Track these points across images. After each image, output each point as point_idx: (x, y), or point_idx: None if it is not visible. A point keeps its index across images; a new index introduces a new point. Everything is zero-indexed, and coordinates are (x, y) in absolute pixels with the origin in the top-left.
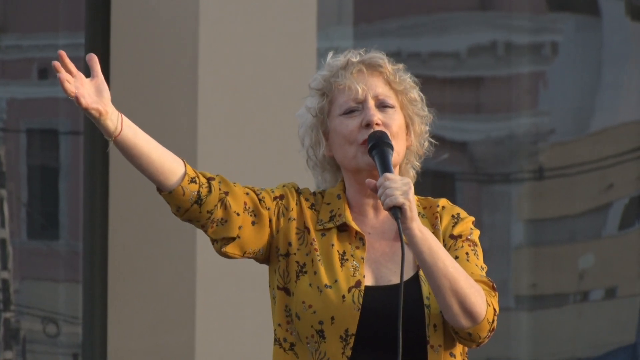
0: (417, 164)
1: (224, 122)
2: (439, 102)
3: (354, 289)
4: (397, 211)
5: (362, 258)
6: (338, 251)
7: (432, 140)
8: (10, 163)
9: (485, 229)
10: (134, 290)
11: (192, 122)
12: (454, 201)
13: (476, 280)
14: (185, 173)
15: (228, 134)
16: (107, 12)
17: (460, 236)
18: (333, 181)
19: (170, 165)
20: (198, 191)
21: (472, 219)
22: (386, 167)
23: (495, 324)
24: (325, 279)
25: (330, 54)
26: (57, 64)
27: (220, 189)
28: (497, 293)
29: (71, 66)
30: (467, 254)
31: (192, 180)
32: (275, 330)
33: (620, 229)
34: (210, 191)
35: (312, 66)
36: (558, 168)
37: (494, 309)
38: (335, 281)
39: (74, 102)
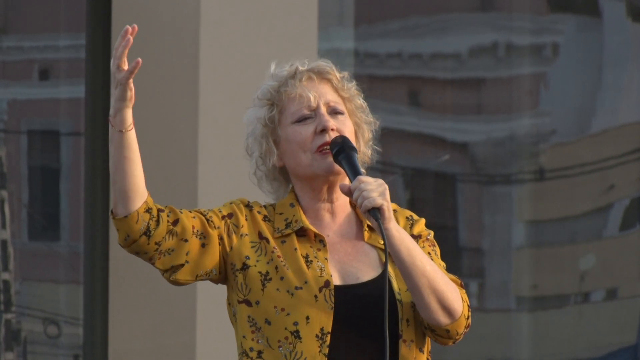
0: (363, 170)
1: (224, 123)
2: (440, 103)
3: (324, 289)
4: (376, 212)
5: (326, 259)
6: (302, 254)
7: (377, 148)
8: (11, 164)
9: (486, 230)
10: (135, 292)
11: (193, 122)
12: (455, 202)
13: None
14: (146, 201)
15: (228, 134)
16: (108, 14)
17: (420, 236)
18: (281, 191)
19: (141, 186)
20: (148, 223)
21: (424, 220)
22: (356, 170)
23: (470, 319)
24: (294, 282)
25: (273, 65)
26: (129, 28)
27: (168, 221)
28: (465, 289)
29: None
30: (429, 253)
31: (147, 210)
32: (241, 344)
33: (621, 230)
34: (158, 224)
35: None
36: (559, 169)
37: (468, 305)
38: (306, 282)
39: (73, 102)
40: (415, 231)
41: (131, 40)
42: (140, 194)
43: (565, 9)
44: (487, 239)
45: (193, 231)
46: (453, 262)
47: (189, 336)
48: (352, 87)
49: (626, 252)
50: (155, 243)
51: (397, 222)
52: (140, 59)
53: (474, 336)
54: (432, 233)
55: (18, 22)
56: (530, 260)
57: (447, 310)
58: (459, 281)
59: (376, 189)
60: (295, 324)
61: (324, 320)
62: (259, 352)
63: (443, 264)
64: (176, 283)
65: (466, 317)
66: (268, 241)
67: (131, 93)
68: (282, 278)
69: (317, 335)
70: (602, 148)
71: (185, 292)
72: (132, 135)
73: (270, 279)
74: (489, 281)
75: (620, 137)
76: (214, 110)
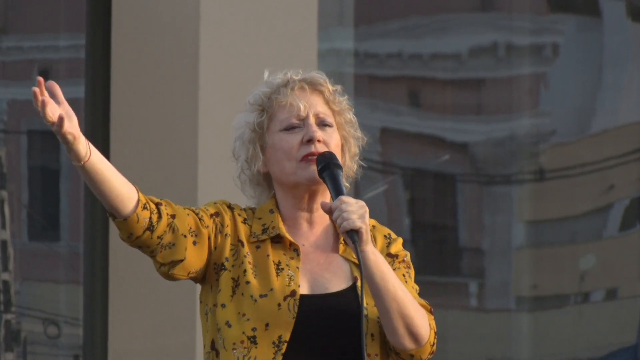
0: (347, 185)
1: (224, 123)
2: (440, 103)
3: (289, 298)
4: (354, 235)
5: (297, 267)
6: (274, 261)
7: (362, 163)
8: (11, 164)
9: (486, 230)
10: (135, 292)
11: (193, 122)
12: (455, 202)
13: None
14: (139, 200)
15: (228, 134)
16: (108, 13)
17: (397, 256)
18: (264, 197)
19: (127, 191)
20: (150, 218)
21: (402, 240)
22: (339, 190)
23: (435, 347)
24: (260, 289)
25: (267, 72)
26: (36, 90)
27: (167, 214)
28: (433, 315)
29: (46, 93)
30: (404, 275)
31: (145, 207)
32: (212, 341)
33: (621, 230)
34: (160, 217)
35: (313, 67)
36: (559, 169)
37: (435, 332)
38: (271, 290)
39: (72, 102)
40: (393, 250)
41: (45, 99)
42: (128, 198)
43: (566, 9)
44: (487, 239)
45: (188, 228)
46: (453, 262)
47: (189, 336)
48: (343, 101)
49: (626, 252)
50: (158, 237)
51: (375, 239)
52: (62, 116)
53: (474, 336)
54: (408, 254)
55: (18, 22)
56: (530, 261)
57: (414, 335)
58: (429, 307)
59: (356, 211)
60: (254, 329)
61: (283, 328)
62: (218, 353)
63: (416, 287)
64: (171, 278)
65: (431, 343)
66: (243, 244)
67: (71, 135)
68: (247, 283)
69: (273, 342)
70: (602, 148)
71: (185, 292)
72: (92, 162)
73: (239, 284)
74: (489, 281)
75: (620, 137)
76: (214, 110)
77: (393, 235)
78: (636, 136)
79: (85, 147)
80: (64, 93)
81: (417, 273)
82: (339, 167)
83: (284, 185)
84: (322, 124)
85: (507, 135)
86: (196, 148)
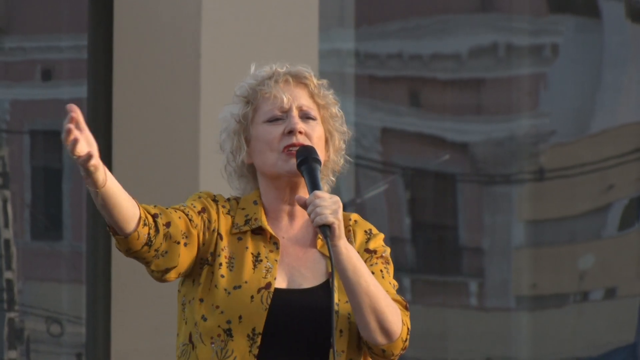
0: (333, 179)
1: None
2: (440, 103)
3: (263, 290)
4: (326, 229)
5: (276, 260)
6: (252, 253)
7: (348, 158)
8: (14, 164)
9: (485, 230)
10: (138, 291)
11: (195, 123)
12: (455, 202)
13: (392, 299)
14: (140, 217)
15: None
16: (110, 14)
17: (375, 251)
18: (249, 188)
19: (133, 211)
20: (148, 233)
21: (383, 235)
22: (315, 185)
23: (407, 342)
24: (234, 281)
25: (253, 66)
26: (71, 127)
27: (163, 224)
28: (409, 312)
29: (80, 119)
30: (381, 271)
31: (145, 224)
32: (189, 334)
33: (620, 229)
34: (157, 231)
35: (314, 68)
36: (558, 169)
37: (408, 328)
38: (245, 282)
39: (75, 102)
40: (371, 246)
41: (77, 137)
42: (132, 217)
43: (565, 10)
44: (487, 239)
45: (181, 233)
46: (453, 262)
47: None
48: (328, 95)
49: (625, 251)
50: (155, 250)
51: (355, 234)
52: (93, 152)
53: (474, 335)
54: (388, 250)
55: (20, 23)
56: (529, 260)
57: (385, 331)
58: (404, 303)
59: (329, 207)
60: (229, 322)
61: (257, 321)
62: (195, 346)
63: (394, 282)
64: (163, 281)
65: (404, 339)
66: (221, 238)
67: (94, 166)
68: (222, 276)
69: (248, 335)
70: (602, 148)
71: None
72: (108, 187)
73: (214, 277)
74: (489, 280)
75: (620, 137)
76: (215, 110)
77: (374, 231)
78: (635, 136)
79: (103, 175)
80: (66, 93)
81: (418, 272)
82: (318, 161)
83: (266, 176)
84: (306, 116)
85: (507, 135)
86: (197, 147)
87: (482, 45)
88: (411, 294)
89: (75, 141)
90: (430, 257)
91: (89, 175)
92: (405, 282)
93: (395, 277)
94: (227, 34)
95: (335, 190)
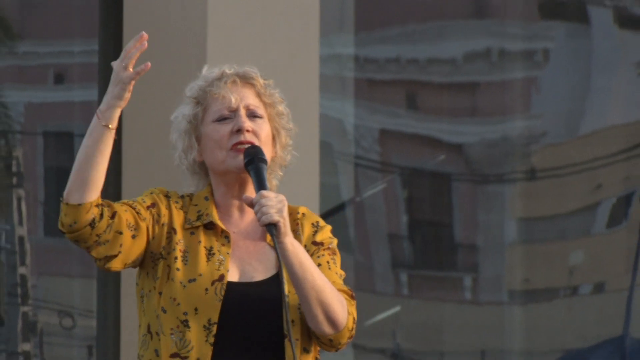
0: (280, 173)
1: None
2: (436, 106)
3: (217, 282)
4: (272, 228)
5: (228, 253)
6: (205, 247)
7: (295, 153)
8: (28, 164)
9: (479, 227)
10: None
11: None
12: (450, 201)
13: (338, 290)
14: (98, 196)
15: None
16: (119, 21)
17: (322, 244)
18: (201, 185)
19: (102, 181)
20: (94, 216)
21: (330, 227)
22: (262, 184)
23: (354, 331)
24: (189, 274)
25: (206, 67)
26: (145, 36)
27: (108, 215)
28: (355, 301)
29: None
30: (328, 262)
31: (97, 205)
32: (148, 326)
33: (609, 227)
34: (102, 217)
35: (315, 71)
36: (549, 169)
37: (354, 317)
38: (200, 275)
39: (86, 105)
40: (319, 238)
41: (146, 45)
42: (98, 188)
43: (556, 16)
44: (481, 236)
45: (127, 224)
46: (448, 258)
47: None
48: (275, 94)
49: (613, 248)
50: (97, 235)
51: (303, 227)
52: (149, 64)
53: (469, 328)
54: (335, 242)
55: (34, 29)
56: (522, 256)
57: (332, 321)
58: (350, 292)
59: (275, 206)
60: (185, 313)
61: (212, 312)
62: (153, 336)
63: (341, 272)
64: (107, 270)
65: (350, 329)
66: (175, 232)
67: (128, 94)
68: (177, 270)
69: (204, 326)
70: (591, 149)
71: None
72: (113, 134)
73: (171, 271)
74: (483, 275)
75: (608, 138)
76: None
77: (322, 223)
78: (623, 137)
79: (117, 118)
80: (77, 96)
81: (415, 268)
82: (264, 161)
83: (216, 173)
84: (252, 115)
85: (500, 136)
86: None
87: (476, 50)
88: (408, 289)
89: (137, 51)
90: (426, 253)
91: (115, 103)
92: (402, 277)
93: (393, 272)
94: (231, 38)
95: (335, 189)
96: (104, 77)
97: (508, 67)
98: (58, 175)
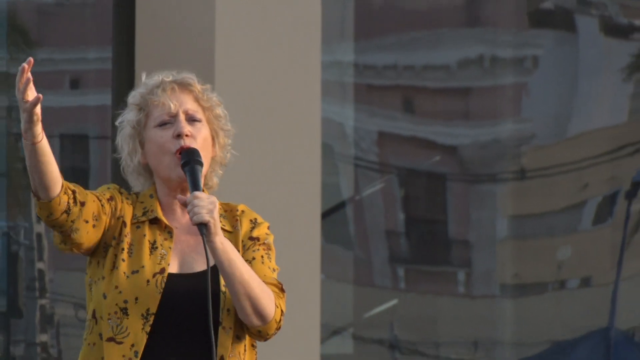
0: (220, 172)
1: (237, 124)
2: (431, 110)
3: (158, 275)
4: (202, 227)
5: (170, 247)
6: (149, 241)
7: (234, 152)
8: None
9: (472, 224)
10: None
11: None
12: (444, 199)
13: (268, 283)
14: (62, 184)
15: (241, 137)
16: (132, 29)
17: (258, 239)
18: (146, 184)
19: (58, 176)
20: (68, 202)
21: (267, 224)
22: (196, 186)
23: (282, 322)
24: (133, 266)
25: (144, 75)
26: (26, 66)
27: (79, 201)
28: (285, 294)
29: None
30: (262, 256)
31: (65, 192)
32: (93, 311)
33: (594, 224)
34: (75, 203)
35: (317, 77)
36: (538, 169)
37: (281, 310)
38: (142, 267)
39: (100, 109)
40: (255, 234)
41: (30, 76)
42: (57, 182)
43: (544, 25)
44: (473, 232)
45: (92, 214)
46: (443, 253)
47: None
48: (212, 98)
49: (599, 244)
50: (71, 221)
51: (241, 223)
52: (41, 96)
53: (462, 320)
54: (271, 237)
55: (51, 37)
56: (512, 252)
57: (259, 314)
58: (280, 286)
59: (206, 206)
60: (125, 302)
61: (151, 302)
62: (97, 321)
63: (274, 266)
64: (62, 251)
65: (277, 321)
66: (125, 225)
67: (37, 115)
68: (123, 260)
69: (142, 315)
70: (578, 150)
71: None
72: (43, 144)
73: (117, 261)
74: (475, 270)
75: (594, 140)
76: (229, 117)
77: (259, 220)
78: (608, 139)
79: (41, 130)
80: (92, 100)
81: (411, 263)
82: (200, 163)
83: (159, 175)
84: (191, 119)
85: (492, 138)
86: None
87: (469, 57)
88: (405, 283)
89: (29, 80)
90: (422, 249)
91: (31, 125)
92: (399, 271)
93: (391, 267)
94: (238, 46)
95: (336, 188)
96: (117, 82)
97: (499, 73)
98: (74, 175)
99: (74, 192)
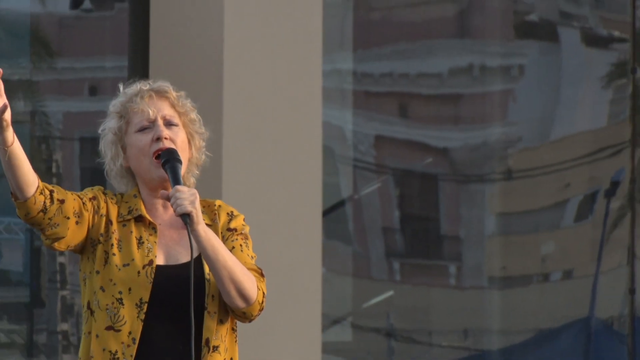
0: (197, 172)
1: (246, 132)
2: (425, 115)
3: (147, 267)
4: (186, 217)
5: (155, 242)
6: (136, 237)
7: (208, 154)
8: (66, 166)
9: (462, 221)
10: None
11: (218, 130)
12: (437, 198)
13: (249, 269)
14: (38, 185)
15: (250, 145)
16: (146, 40)
17: (235, 229)
18: (130, 186)
19: (32, 178)
20: (44, 202)
21: (243, 216)
22: (177, 180)
23: (264, 304)
24: (124, 260)
25: (122, 85)
26: None
27: (57, 199)
28: (265, 278)
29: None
30: (241, 245)
31: (41, 192)
32: (88, 303)
33: (576, 221)
34: (52, 202)
35: (318, 84)
36: (524, 170)
37: (263, 292)
38: (132, 260)
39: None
40: (232, 225)
41: (0, 84)
42: (31, 183)
43: (529, 36)
44: (463, 229)
45: (73, 211)
46: (435, 248)
47: None
48: (187, 104)
49: (580, 239)
50: (49, 218)
51: (219, 216)
52: (7, 103)
53: (453, 310)
54: (247, 228)
55: (71, 47)
56: (500, 246)
57: (243, 296)
58: (260, 271)
59: (188, 198)
60: (120, 292)
61: (143, 292)
62: (93, 312)
63: (252, 254)
64: (52, 249)
65: (260, 302)
66: (112, 223)
67: (6, 121)
68: (113, 255)
69: (136, 304)
70: (560, 152)
71: None
72: (15, 147)
73: (108, 256)
74: (465, 264)
75: (575, 143)
76: (235, 122)
77: (235, 213)
78: (589, 142)
79: (12, 134)
80: (109, 106)
81: (406, 257)
82: (179, 161)
83: (141, 177)
84: (169, 124)
85: (481, 141)
86: (220, 158)
87: (460, 66)
88: (400, 275)
89: None
90: (416, 244)
91: (1, 131)
92: (395, 265)
93: (387, 261)
94: (245, 56)
95: (335, 188)
96: None
97: (488, 80)
98: (92, 176)
99: (51, 192)
